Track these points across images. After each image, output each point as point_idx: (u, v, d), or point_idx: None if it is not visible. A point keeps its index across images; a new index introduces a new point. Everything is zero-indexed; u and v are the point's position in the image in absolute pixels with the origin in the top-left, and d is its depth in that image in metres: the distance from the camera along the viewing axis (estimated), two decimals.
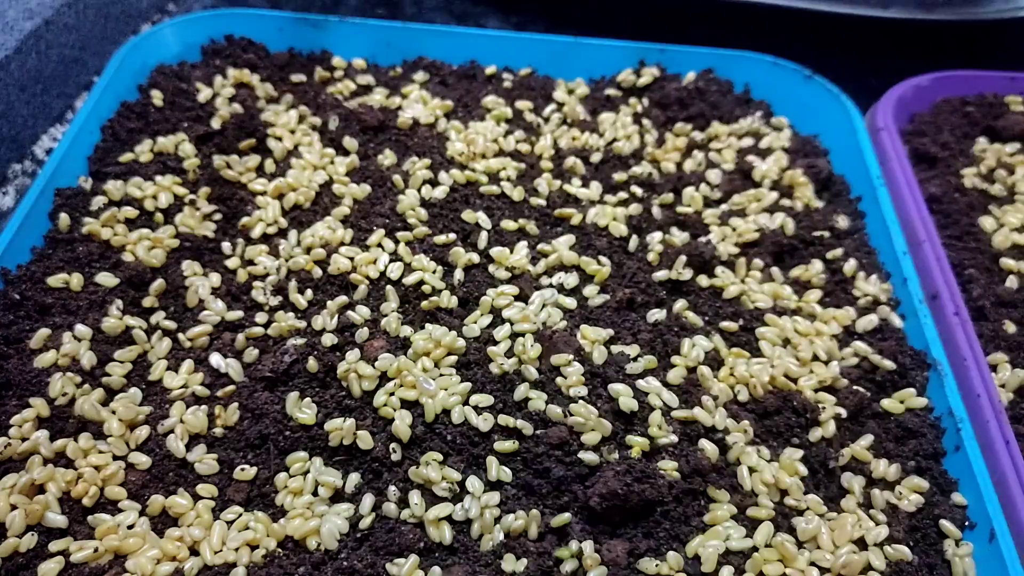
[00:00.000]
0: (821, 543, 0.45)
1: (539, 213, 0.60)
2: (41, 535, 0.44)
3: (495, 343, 0.52)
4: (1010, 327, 0.57)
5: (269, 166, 0.62)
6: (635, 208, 0.61)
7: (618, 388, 0.49)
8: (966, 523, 0.47)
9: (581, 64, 0.73)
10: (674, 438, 0.48)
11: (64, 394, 0.48)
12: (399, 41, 0.73)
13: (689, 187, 0.64)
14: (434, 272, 0.56)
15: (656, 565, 0.44)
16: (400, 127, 0.66)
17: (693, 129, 0.69)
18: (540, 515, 0.45)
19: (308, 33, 0.73)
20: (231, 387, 0.50)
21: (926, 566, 0.45)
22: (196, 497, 0.46)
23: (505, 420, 0.48)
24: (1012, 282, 0.59)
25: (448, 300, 0.54)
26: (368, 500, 0.45)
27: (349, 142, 0.64)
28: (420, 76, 0.71)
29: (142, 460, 0.47)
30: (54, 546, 0.43)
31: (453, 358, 0.51)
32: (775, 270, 0.59)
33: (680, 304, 0.55)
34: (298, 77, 0.70)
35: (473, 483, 0.46)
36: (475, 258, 0.57)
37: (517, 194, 0.61)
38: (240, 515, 0.45)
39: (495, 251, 0.57)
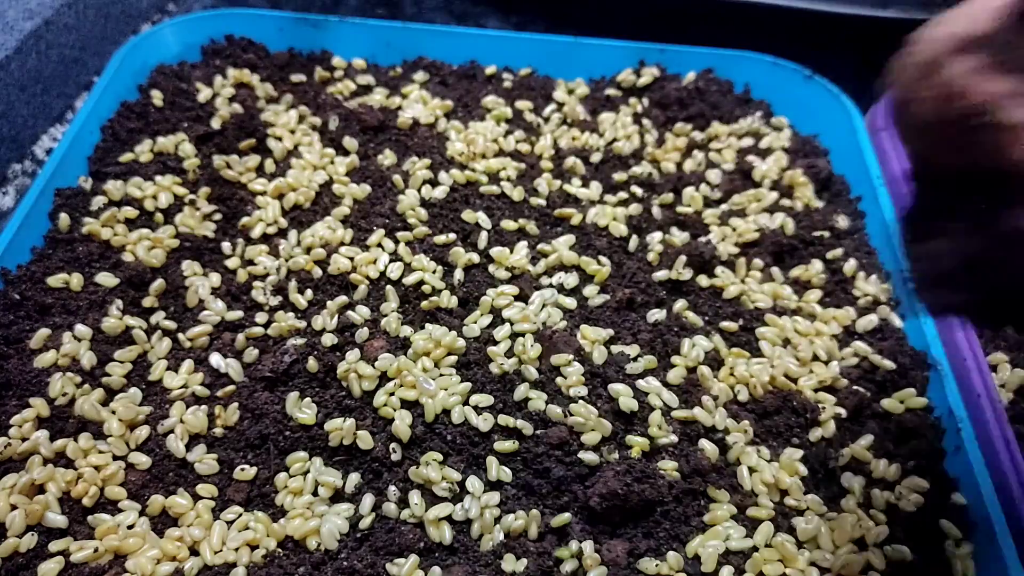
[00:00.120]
0: (821, 543, 0.45)
1: (539, 213, 0.61)
2: (41, 535, 0.44)
3: (495, 343, 0.52)
4: (1010, 327, 0.57)
5: (269, 166, 0.62)
6: (635, 208, 0.61)
7: (618, 388, 0.49)
8: (966, 523, 0.47)
9: (581, 64, 0.73)
10: (674, 438, 0.48)
11: (64, 394, 0.48)
12: (399, 41, 0.73)
13: (689, 187, 0.64)
14: (434, 272, 0.56)
15: (656, 565, 0.44)
16: (400, 127, 0.66)
17: (693, 129, 0.69)
18: (540, 515, 0.45)
19: (308, 33, 0.73)
20: (231, 387, 0.50)
21: (926, 566, 0.45)
22: (196, 497, 0.46)
23: (505, 420, 0.48)
24: None
25: (448, 300, 0.54)
26: (368, 500, 0.45)
27: (349, 142, 0.64)
28: (420, 76, 0.71)
29: (142, 460, 0.47)
30: (54, 546, 0.43)
31: (453, 358, 0.51)
32: (775, 270, 0.59)
33: (680, 304, 0.55)
34: (298, 77, 0.70)
35: (473, 483, 0.46)
36: (475, 258, 0.57)
37: (517, 194, 0.61)
38: (240, 515, 0.45)
39: (495, 251, 0.57)
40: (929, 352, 0.53)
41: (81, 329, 0.51)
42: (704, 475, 0.47)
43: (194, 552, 0.44)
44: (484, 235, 0.58)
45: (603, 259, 0.57)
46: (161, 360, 0.51)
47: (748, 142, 0.68)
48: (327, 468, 0.47)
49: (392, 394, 0.49)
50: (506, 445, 0.47)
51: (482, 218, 0.59)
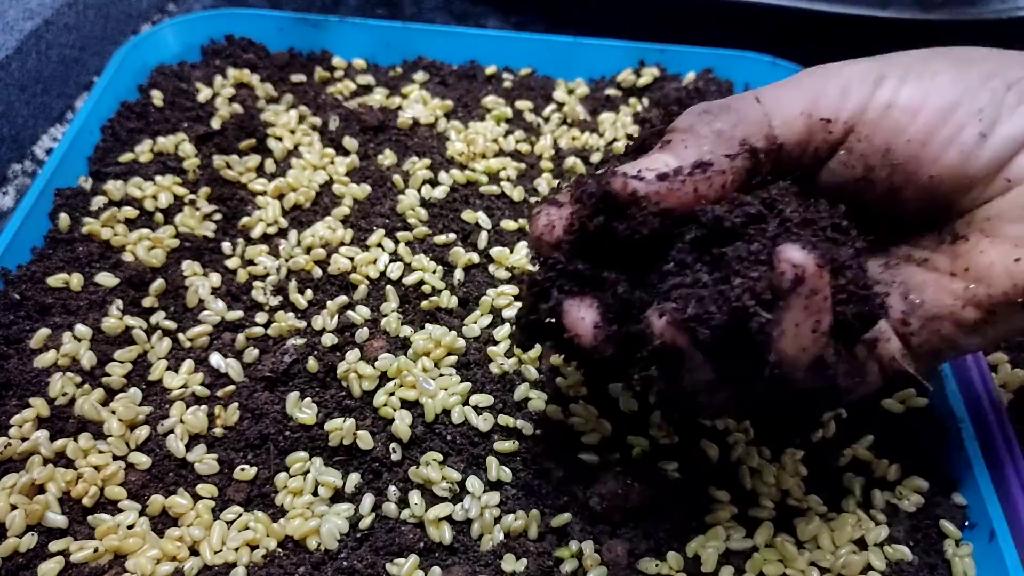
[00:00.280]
0: (821, 543, 0.45)
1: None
2: (41, 535, 0.44)
3: (495, 343, 0.52)
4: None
5: (269, 166, 0.62)
6: None
7: (618, 388, 0.49)
8: (966, 523, 0.47)
9: (581, 64, 0.73)
10: (675, 438, 0.48)
11: (64, 394, 0.48)
12: (399, 41, 0.73)
13: None
14: (434, 272, 0.56)
15: (656, 565, 0.44)
16: (400, 127, 0.66)
17: None
18: (540, 515, 0.45)
19: (308, 33, 0.73)
20: (231, 387, 0.50)
21: (926, 566, 0.45)
22: (196, 497, 0.46)
23: (505, 420, 0.48)
24: None
25: (448, 300, 0.54)
26: (368, 500, 0.45)
27: (349, 142, 0.64)
28: (420, 76, 0.71)
29: (142, 460, 0.47)
30: (54, 546, 0.43)
31: (453, 358, 0.51)
32: None
33: None
34: (298, 77, 0.70)
35: (473, 483, 0.46)
36: (475, 258, 0.57)
37: (517, 194, 0.61)
38: (240, 515, 0.45)
39: (495, 251, 0.57)
40: None
41: (81, 329, 0.51)
42: (705, 475, 0.47)
43: (194, 552, 0.44)
44: (484, 235, 0.58)
45: None
46: (161, 360, 0.51)
47: None
48: (327, 468, 0.47)
49: (392, 394, 0.49)
50: (506, 445, 0.47)
51: (482, 218, 0.59)
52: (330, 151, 0.64)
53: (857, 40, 0.75)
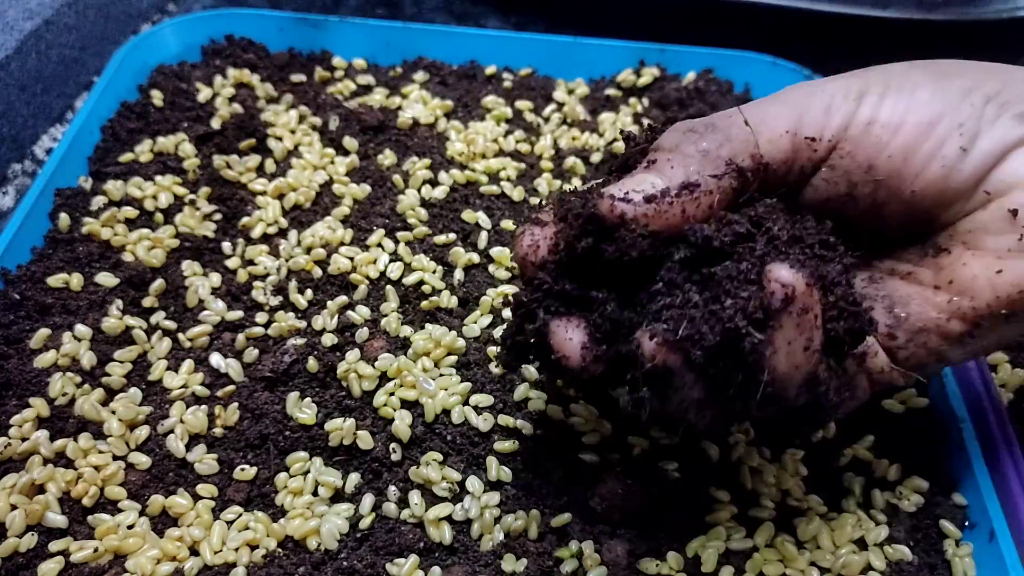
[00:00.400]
0: (821, 543, 0.45)
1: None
2: (41, 535, 0.44)
3: (495, 343, 0.52)
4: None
5: (269, 166, 0.62)
6: None
7: (619, 388, 0.49)
8: (966, 523, 0.47)
9: (581, 64, 0.73)
10: (675, 438, 0.48)
11: (64, 394, 0.48)
12: (399, 41, 0.73)
13: None
14: (434, 272, 0.56)
15: (656, 565, 0.44)
16: (400, 127, 0.66)
17: None
18: (540, 515, 0.45)
19: (308, 33, 0.73)
20: (231, 387, 0.50)
21: (926, 566, 0.45)
22: (196, 497, 0.46)
23: (505, 420, 0.48)
24: None
25: (448, 300, 0.54)
26: (368, 500, 0.45)
27: (349, 142, 0.64)
28: (420, 76, 0.71)
29: (142, 460, 0.47)
30: (54, 546, 0.43)
31: (453, 358, 0.51)
32: None
33: None
34: (298, 77, 0.70)
35: (473, 483, 0.46)
36: (475, 258, 0.57)
37: (517, 194, 0.61)
38: (240, 515, 0.45)
39: (495, 251, 0.57)
40: None
41: (81, 329, 0.51)
42: (705, 475, 0.47)
43: (194, 552, 0.44)
44: (484, 235, 0.58)
45: None
46: (161, 360, 0.51)
47: None
48: (327, 468, 0.47)
49: (392, 394, 0.49)
50: (506, 445, 0.47)
51: (482, 218, 0.59)
52: (330, 151, 0.64)
53: (857, 40, 0.75)
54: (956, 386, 0.51)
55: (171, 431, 0.48)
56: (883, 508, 0.47)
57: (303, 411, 0.48)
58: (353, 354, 0.50)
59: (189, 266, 0.56)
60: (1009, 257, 0.37)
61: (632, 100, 0.71)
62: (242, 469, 0.46)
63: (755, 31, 0.76)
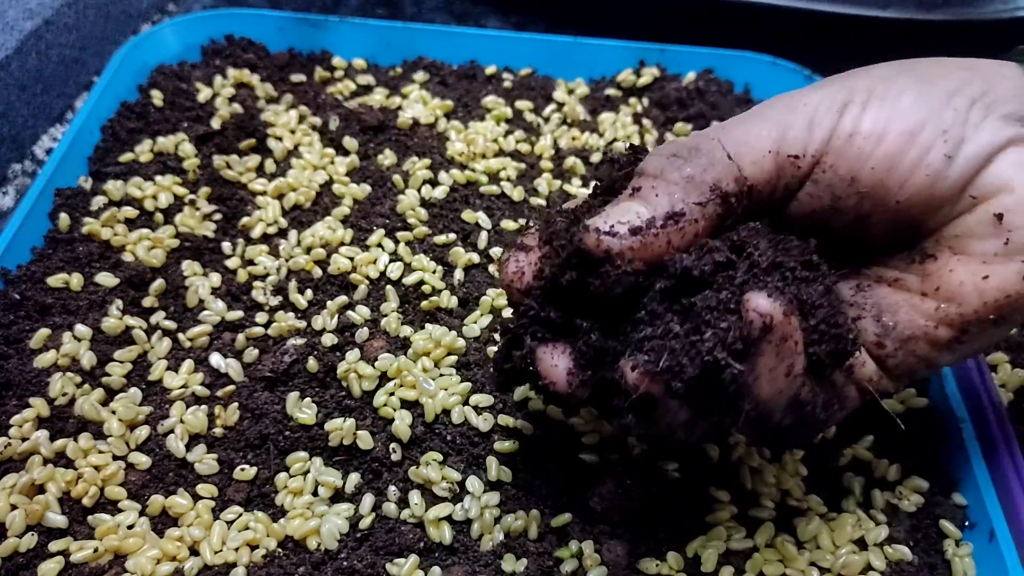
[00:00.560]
0: (821, 543, 0.45)
1: (539, 213, 0.60)
2: (41, 535, 0.44)
3: (495, 343, 0.52)
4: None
5: (269, 166, 0.62)
6: None
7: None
8: (966, 523, 0.47)
9: (581, 64, 0.73)
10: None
11: (64, 394, 0.48)
12: (399, 41, 0.73)
13: None
14: (434, 272, 0.56)
15: (656, 565, 0.44)
16: (400, 127, 0.66)
17: (693, 129, 0.69)
18: (540, 515, 0.45)
19: (308, 33, 0.73)
20: (231, 387, 0.50)
21: (926, 566, 0.45)
22: (196, 497, 0.46)
23: (505, 420, 0.48)
24: None
25: (448, 300, 0.54)
26: (368, 500, 0.45)
27: (349, 142, 0.64)
28: (420, 76, 0.71)
29: (142, 460, 0.47)
30: (54, 546, 0.43)
31: (453, 358, 0.51)
32: None
33: None
34: (298, 77, 0.70)
35: (473, 483, 0.46)
36: (475, 258, 0.57)
37: (517, 194, 0.61)
38: (240, 515, 0.45)
39: (495, 251, 0.57)
40: None
41: (81, 329, 0.51)
42: (705, 475, 0.47)
43: (194, 552, 0.44)
44: (484, 235, 0.58)
45: None
46: (161, 360, 0.51)
47: None
48: (327, 468, 0.47)
49: (392, 394, 0.49)
50: (506, 445, 0.47)
51: (482, 218, 0.59)
52: (330, 151, 0.64)
53: (857, 40, 0.75)
54: (956, 386, 0.51)
55: (171, 431, 0.48)
56: (883, 508, 0.47)
57: (303, 411, 0.48)
58: (353, 354, 0.50)
59: (189, 266, 0.56)
60: (995, 262, 0.36)
61: (632, 100, 0.71)
62: (242, 469, 0.46)
63: (755, 31, 0.76)
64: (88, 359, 0.50)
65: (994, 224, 0.36)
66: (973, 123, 0.37)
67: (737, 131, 0.37)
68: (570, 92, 0.71)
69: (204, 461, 0.47)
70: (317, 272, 0.55)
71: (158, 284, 0.54)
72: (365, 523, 0.44)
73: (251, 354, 0.51)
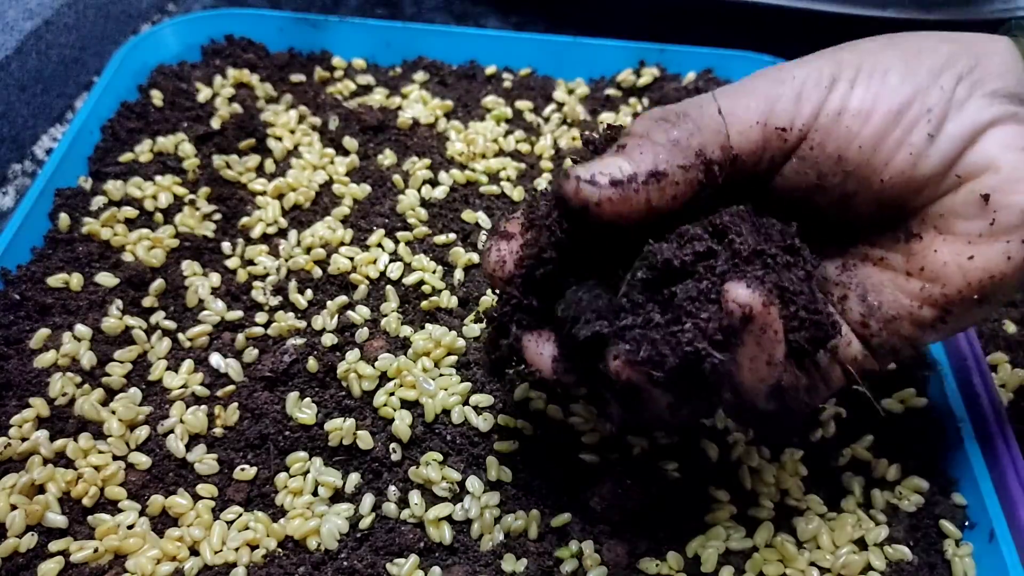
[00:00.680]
0: (821, 543, 0.45)
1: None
2: (41, 535, 0.44)
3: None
4: (1010, 327, 0.57)
5: (269, 166, 0.62)
6: None
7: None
8: (966, 523, 0.47)
9: (581, 64, 0.73)
10: (675, 438, 0.48)
11: (64, 394, 0.48)
12: (399, 41, 0.73)
13: None
14: (434, 272, 0.56)
15: (656, 565, 0.44)
16: (400, 127, 0.66)
17: None
18: (540, 515, 0.45)
19: (308, 33, 0.73)
20: (231, 387, 0.50)
21: (926, 566, 0.45)
22: (196, 497, 0.46)
23: (505, 420, 0.48)
24: None
25: (448, 300, 0.54)
26: (368, 500, 0.45)
27: (349, 142, 0.64)
28: (420, 76, 0.71)
29: (142, 460, 0.47)
30: (54, 546, 0.43)
31: (453, 358, 0.51)
32: None
33: None
34: (298, 77, 0.70)
35: (473, 483, 0.46)
36: (475, 258, 0.57)
37: (517, 194, 0.61)
38: (240, 515, 0.45)
39: None
40: (929, 352, 0.53)
41: (81, 329, 0.51)
42: (705, 475, 0.47)
43: (194, 552, 0.44)
44: (484, 235, 0.58)
45: None
46: (161, 360, 0.51)
47: None
48: (327, 468, 0.47)
49: (392, 394, 0.49)
50: (506, 445, 0.47)
51: (482, 218, 0.59)
52: (330, 151, 0.64)
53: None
54: (956, 386, 0.51)
55: (171, 431, 0.48)
56: (883, 508, 0.47)
57: (303, 411, 0.48)
58: (353, 354, 0.50)
59: (189, 266, 0.56)
60: (980, 242, 0.36)
61: (632, 100, 0.71)
62: (242, 469, 0.46)
63: (755, 31, 0.76)
64: (88, 359, 0.50)
65: (980, 204, 0.36)
66: (958, 101, 0.36)
67: (725, 101, 0.37)
68: (570, 92, 0.71)
69: (204, 461, 0.47)
70: (317, 272, 0.55)
71: (158, 284, 0.54)
72: (365, 523, 0.44)
73: (251, 354, 0.51)
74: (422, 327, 0.53)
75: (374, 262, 0.56)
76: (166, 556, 0.43)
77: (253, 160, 0.62)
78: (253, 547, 0.44)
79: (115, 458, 0.47)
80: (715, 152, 0.36)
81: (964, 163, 0.36)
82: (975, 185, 0.36)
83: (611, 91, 0.72)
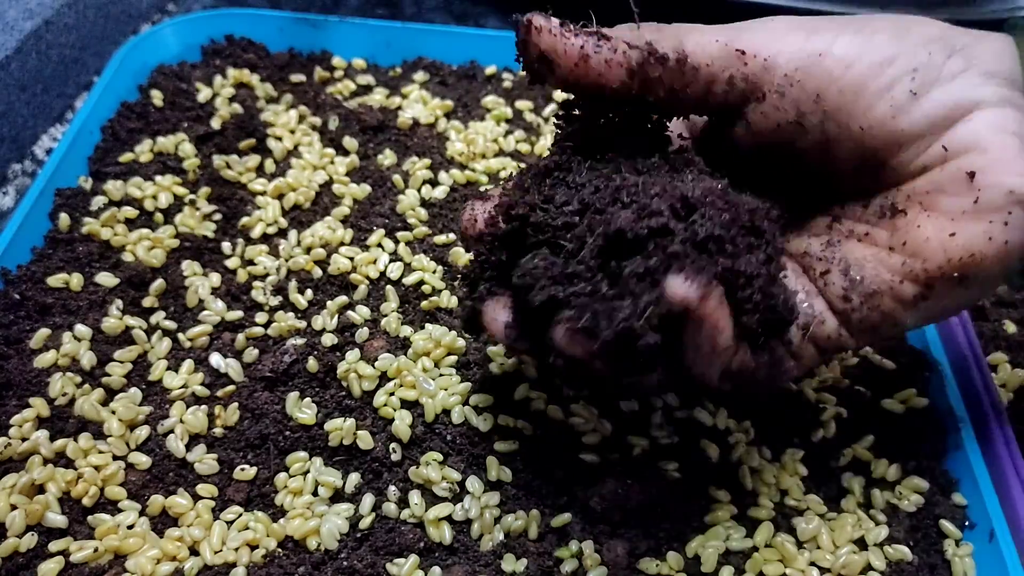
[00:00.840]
0: (821, 543, 0.45)
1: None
2: (41, 535, 0.44)
3: (495, 343, 0.52)
4: (1010, 327, 0.57)
5: (269, 166, 0.62)
6: None
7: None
8: (966, 523, 0.47)
9: None
10: (675, 438, 0.48)
11: (64, 394, 0.48)
12: (399, 41, 0.73)
13: None
14: (434, 272, 0.56)
15: (656, 565, 0.44)
16: (400, 127, 0.66)
17: None
18: (540, 515, 0.45)
19: (308, 33, 0.73)
20: (231, 387, 0.50)
21: (926, 566, 0.45)
22: (196, 497, 0.46)
23: (505, 420, 0.48)
24: None
25: (448, 300, 0.54)
26: (368, 500, 0.45)
27: (349, 142, 0.64)
28: (420, 76, 0.71)
29: (142, 460, 0.47)
30: (54, 546, 0.43)
31: (453, 358, 0.51)
32: None
33: None
34: (298, 77, 0.70)
35: (473, 483, 0.46)
36: None
37: None
38: (240, 515, 0.45)
39: None
40: (929, 352, 0.53)
41: (81, 329, 0.51)
42: (705, 475, 0.47)
43: (194, 552, 0.44)
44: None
45: None
46: (161, 360, 0.51)
47: None
48: (327, 468, 0.47)
49: (392, 394, 0.49)
50: (506, 445, 0.47)
51: None
52: (330, 151, 0.64)
53: None
54: (956, 386, 0.51)
55: (171, 431, 0.48)
56: (883, 508, 0.47)
57: (303, 411, 0.48)
58: (353, 354, 0.50)
59: (189, 266, 0.56)
60: (963, 220, 0.37)
61: None
62: (242, 469, 0.46)
63: None
64: (88, 359, 0.50)
65: (965, 182, 0.36)
66: (949, 72, 0.37)
67: (695, 30, 0.39)
68: None
69: (204, 461, 0.47)
70: (317, 272, 0.55)
71: (158, 284, 0.54)
72: (365, 523, 0.44)
73: (251, 354, 0.51)
74: (422, 327, 0.53)
75: (374, 262, 0.56)
76: (166, 556, 0.43)
77: (253, 160, 0.62)
78: (253, 547, 0.44)
79: (115, 458, 0.47)
80: (665, 47, 0.37)
81: (952, 137, 0.37)
82: (961, 162, 0.36)
83: None
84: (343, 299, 0.54)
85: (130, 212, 0.58)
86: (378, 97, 0.69)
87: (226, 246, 0.57)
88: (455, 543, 0.44)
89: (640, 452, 0.47)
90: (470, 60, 0.73)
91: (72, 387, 0.49)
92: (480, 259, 0.40)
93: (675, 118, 0.42)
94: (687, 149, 0.41)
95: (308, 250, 0.56)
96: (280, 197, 0.60)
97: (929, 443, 0.50)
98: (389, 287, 0.55)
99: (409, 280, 0.55)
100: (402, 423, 0.47)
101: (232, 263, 0.56)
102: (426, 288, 0.55)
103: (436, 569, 0.43)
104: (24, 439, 0.46)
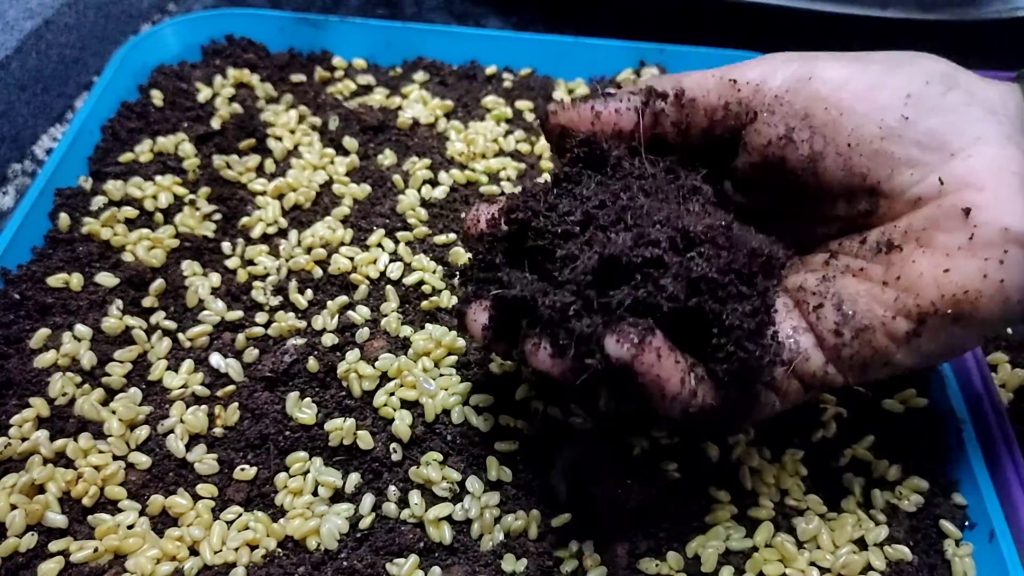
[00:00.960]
0: (821, 543, 0.45)
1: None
2: (41, 535, 0.44)
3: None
4: (1010, 327, 0.57)
5: (269, 166, 0.62)
6: None
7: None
8: (966, 523, 0.47)
9: (581, 64, 0.72)
10: (675, 438, 0.48)
11: (64, 394, 0.48)
12: (399, 41, 0.73)
13: None
14: (434, 272, 0.56)
15: (656, 565, 0.44)
16: (400, 127, 0.66)
17: None
18: (540, 515, 0.45)
19: (308, 33, 0.73)
20: (231, 387, 0.50)
21: (926, 566, 0.45)
22: (196, 497, 0.46)
23: (505, 420, 0.48)
24: None
25: (448, 300, 0.54)
26: (368, 500, 0.45)
27: (349, 142, 0.64)
28: (420, 76, 0.71)
29: (142, 460, 0.47)
30: (54, 546, 0.43)
31: (453, 358, 0.51)
32: None
33: None
34: (298, 77, 0.70)
35: (473, 483, 0.46)
36: None
37: None
38: (240, 515, 0.45)
39: None
40: None
41: (81, 329, 0.51)
42: (705, 475, 0.47)
43: (194, 552, 0.44)
44: None
45: None
46: (161, 360, 0.51)
47: None
48: (327, 468, 0.47)
49: (392, 394, 0.49)
50: (506, 445, 0.47)
51: None
52: (330, 151, 0.64)
53: (857, 40, 0.75)
54: (956, 386, 0.51)
55: (171, 431, 0.48)
56: (883, 508, 0.47)
57: (303, 411, 0.48)
58: (353, 354, 0.50)
59: (189, 266, 0.56)
60: (958, 256, 0.36)
61: None
62: (242, 469, 0.46)
63: (755, 31, 0.76)
64: (88, 359, 0.50)
65: (961, 218, 0.36)
66: (949, 103, 0.37)
67: (692, 72, 0.42)
68: (570, 92, 0.71)
69: (204, 461, 0.47)
70: (317, 272, 0.55)
71: (158, 284, 0.54)
72: (365, 523, 0.45)
73: (251, 354, 0.51)
74: (422, 327, 0.53)
75: (374, 262, 0.56)
76: (166, 556, 0.43)
77: (253, 160, 0.62)
78: (253, 547, 0.44)
79: (115, 458, 0.47)
80: (664, 88, 0.41)
81: (950, 171, 0.37)
82: (958, 197, 0.36)
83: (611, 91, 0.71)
84: (343, 299, 0.54)
85: (130, 212, 0.58)
86: (378, 97, 0.69)
87: (226, 246, 0.57)
88: (455, 543, 0.44)
89: (640, 452, 0.47)
90: (470, 60, 0.73)
91: (72, 387, 0.49)
92: (477, 258, 0.41)
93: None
94: (696, 176, 0.41)
95: (308, 250, 0.56)
96: (280, 197, 0.60)
97: (929, 443, 0.50)
98: (389, 287, 0.55)
99: (409, 280, 0.55)
100: (402, 423, 0.47)
101: (232, 263, 0.56)
102: (426, 288, 0.55)
103: (436, 569, 0.43)
104: (24, 439, 0.46)
